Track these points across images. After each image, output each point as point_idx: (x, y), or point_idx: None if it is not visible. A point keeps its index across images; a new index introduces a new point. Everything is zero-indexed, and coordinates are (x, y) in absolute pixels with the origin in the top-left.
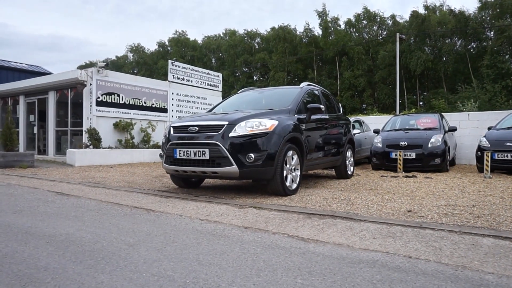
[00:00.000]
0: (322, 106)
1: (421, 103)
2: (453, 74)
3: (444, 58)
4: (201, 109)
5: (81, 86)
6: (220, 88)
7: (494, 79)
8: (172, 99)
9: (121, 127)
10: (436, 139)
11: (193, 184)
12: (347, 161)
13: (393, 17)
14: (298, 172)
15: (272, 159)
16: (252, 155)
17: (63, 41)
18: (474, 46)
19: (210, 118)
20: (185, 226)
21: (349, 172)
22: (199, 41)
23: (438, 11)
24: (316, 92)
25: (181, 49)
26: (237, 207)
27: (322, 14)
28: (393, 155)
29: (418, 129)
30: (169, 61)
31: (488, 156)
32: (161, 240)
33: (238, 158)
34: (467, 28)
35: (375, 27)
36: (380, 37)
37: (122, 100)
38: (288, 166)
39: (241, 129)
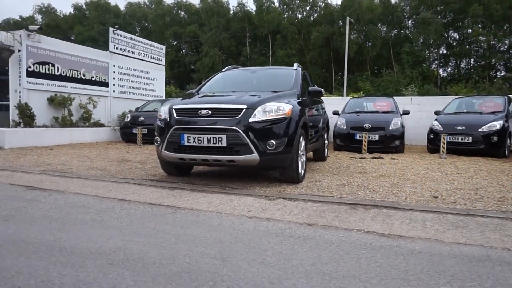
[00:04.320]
0: (322, 90)
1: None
2: (376, 58)
3: (370, 43)
4: (145, 84)
5: (7, 52)
6: (163, 62)
7: (412, 65)
8: (114, 72)
9: (57, 102)
10: (396, 122)
11: (184, 171)
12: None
13: None
14: (304, 158)
15: (291, 146)
16: (273, 141)
17: None
18: (396, 33)
19: (223, 101)
20: (242, 226)
21: (325, 155)
22: (122, 7)
23: None
24: (305, 74)
25: (101, 14)
26: (265, 199)
27: None
28: (357, 136)
29: (377, 112)
30: (110, 29)
31: (444, 139)
32: (245, 249)
33: (258, 145)
34: (393, 15)
35: (308, 8)
36: (313, 17)
37: (58, 71)
38: (300, 152)
39: (260, 114)
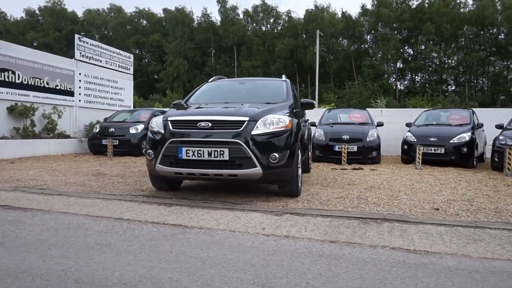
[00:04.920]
0: (314, 102)
1: (310, 97)
2: (338, 71)
3: (332, 56)
4: (112, 93)
5: None
6: (131, 71)
7: (373, 78)
8: (80, 80)
9: (19, 112)
10: (372, 133)
11: (174, 185)
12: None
13: (288, 12)
14: (300, 171)
15: (292, 158)
16: (276, 154)
17: None
18: (357, 47)
19: (223, 112)
20: (264, 246)
21: (309, 166)
22: (80, 14)
23: (326, 12)
24: (291, 85)
25: (57, 20)
26: (273, 215)
27: (222, 1)
28: (336, 148)
29: (353, 123)
30: (76, 36)
31: (420, 150)
32: (282, 271)
33: (261, 158)
34: (354, 30)
35: (271, 20)
36: (277, 30)
37: (19, 78)
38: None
39: (262, 126)
